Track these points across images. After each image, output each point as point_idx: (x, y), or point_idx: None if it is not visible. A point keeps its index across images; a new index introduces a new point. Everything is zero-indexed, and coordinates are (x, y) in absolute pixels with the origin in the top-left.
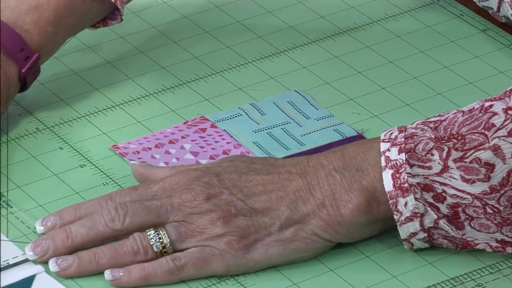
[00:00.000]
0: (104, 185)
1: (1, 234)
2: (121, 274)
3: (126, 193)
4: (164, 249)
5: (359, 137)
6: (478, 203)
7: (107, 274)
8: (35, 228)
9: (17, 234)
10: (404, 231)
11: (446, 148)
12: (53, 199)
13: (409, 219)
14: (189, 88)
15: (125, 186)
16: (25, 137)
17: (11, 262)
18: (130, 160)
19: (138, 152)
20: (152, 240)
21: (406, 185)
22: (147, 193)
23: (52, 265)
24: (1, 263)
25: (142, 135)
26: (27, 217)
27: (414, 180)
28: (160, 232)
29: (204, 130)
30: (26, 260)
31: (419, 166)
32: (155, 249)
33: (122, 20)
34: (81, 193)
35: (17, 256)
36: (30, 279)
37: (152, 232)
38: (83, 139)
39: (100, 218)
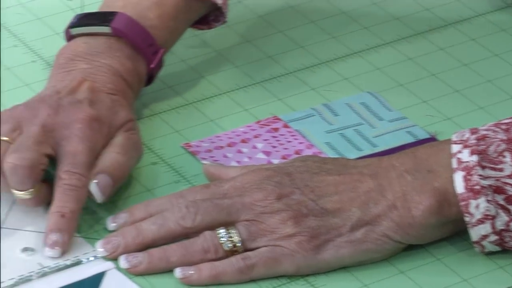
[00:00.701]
0: (176, 183)
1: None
2: (191, 272)
3: (198, 191)
4: (235, 248)
5: (432, 139)
6: None
7: (177, 272)
8: (106, 224)
9: (88, 231)
10: (475, 233)
11: None
12: (125, 196)
13: (480, 221)
14: (263, 88)
15: (196, 184)
16: None
17: (82, 258)
18: (202, 158)
19: (210, 151)
20: (222, 239)
21: (477, 187)
22: (219, 191)
23: (123, 261)
24: (72, 259)
25: (215, 134)
26: (99, 214)
27: (485, 182)
28: (231, 231)
29: (276, 129)
30: (96, 257)
31: (491, 168)
32: (226, 248)
33: (225, 22)
34: (153, 191)
35: (87, 253)
36: (100, 276)
37: (223, 231)
38: (156, 137)
39: (171, 216)
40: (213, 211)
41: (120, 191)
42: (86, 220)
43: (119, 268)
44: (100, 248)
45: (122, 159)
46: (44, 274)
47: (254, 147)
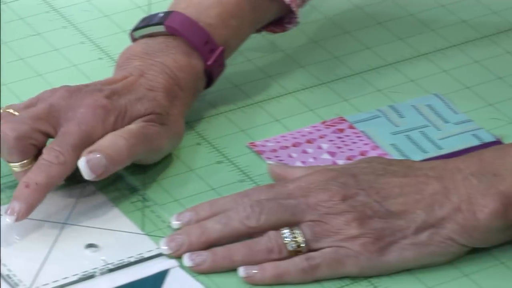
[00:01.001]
0: (240, 182)
1: (136, 227)
2: (254, 271)
3: (262, 191)
4: (298, 249)
5: (497, 142)
6: None
7: (241, 271)
8: (170, 222)
9: (152, 228)
10: None
11: None
12: (189, 194)
13: None
14: (329, 88)
15: (261, 183)
16: None
17: (146, 255)
18: (267, 158)
19: (276, 151)
20: (286, 239)
21: None
22: (283, 191)
23: (186, 260)
24: (135, 256)
25: (280, 134)
26: (163, 212)
27: None
28: (295, 231)
29: (342, 130)
30: (160, 254)
31: None
32: (290, 248)
33: (298, 23)
34: (217, 189)
35: (151, 250)
36: (163, 273)
37: (287, 231)
38: (221, 136)
39: (235, 215)
40: (277, 211)
41: (186, 189)
42: (151, 218)
43: (182, 266)
44: (164, 246)
45: (123, 143)
46: (107, 271)
47: (319, 148)
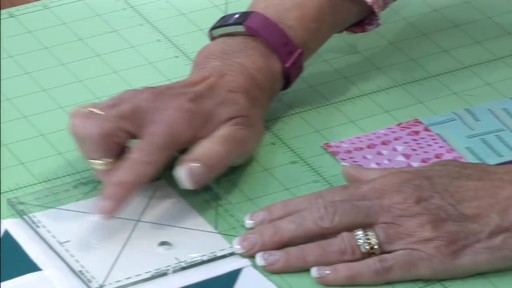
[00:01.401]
0: (315, 182)
1: (209, 226)
2: (327, 272)
3: (336, 192)
4: (372, 250)
5: None
6: None
7: (314, 271)
8: (243, 221)
9: (226, 227)
10: None
11: None
12: (263, 193)
13: None
14: (404, 90)
15: (335, 184)
16: None
17: (218, 254)
18: (342, 159)
19: (350, 152)
20: (360, 240)
21: None
22: (357, 192)
23: (259, 259)
24: (208, 255)
25: (355, 135)
26: (237, 211)
27: None
28: (369, 233)
29: (417, 133)
30: (233, 253)
31: None
32: (363, 250)
33: (379, 25)
34: (291, 189)
35: (224, 249)
36: (236, 272)
37: (361, 232)
38: (296, 136)
39: (309, 215)
40: (351, 212)
41: (260, 188)
42: (224, 217)
43: (255, 266)
44: (237, 245)
45: (218, 149)
46: (180, 269)
47: (394, 150)
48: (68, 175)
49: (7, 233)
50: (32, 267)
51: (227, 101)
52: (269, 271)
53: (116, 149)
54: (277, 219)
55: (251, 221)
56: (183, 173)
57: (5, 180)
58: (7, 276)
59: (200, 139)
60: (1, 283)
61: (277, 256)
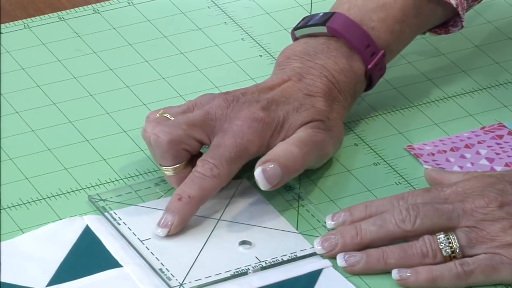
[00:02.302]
0: (397, 184)
1: (290, 226)
2: (408, 274)
3: (419, 194)
4: (453, 254)
5: None
6: None
7: (394, 273)
8: (325, 222)
9: (307, 227)
10: None
11: None
12: (345, 194)
13: None
14: (489, 94)
15: (417, 187)
16: None
17: (299, 254)
18: (425, 162)
19: (433, 154)
20: (441, 244)
21: None
22: (440, 196)
23: (340, 260)
24: (289, 255)
25: (438, 138)
26: (318, 211)
27: None
28: (450, 236)
29: (501, 137)
30: (313, 254)
31: None
32: (444, 253)
33: (462, 27)
34: (373, 191)
35: (305, 249)
36: (317, 273)
37: (442, 236)
38: (379, 137)
39: (391, 217)
40: (433, 215)
41: (341, 189)
42: (305, 217)
43: (336, 266)
44: (318, 246)
45: (296, 151)
46: (260, 268)
47: (477, 153)
48: (150, 172)
49: (88, 229)
50: (112, 263)
51: (303, 106)
52: (349, 272)
53: (186, 156)
54: (358, 220)
55: (332, 222)
56: (259, 174)
57: (87, 176)
58: (88, 271)
59: (274, 146)
60: (82, 279)
61: (358, 258)
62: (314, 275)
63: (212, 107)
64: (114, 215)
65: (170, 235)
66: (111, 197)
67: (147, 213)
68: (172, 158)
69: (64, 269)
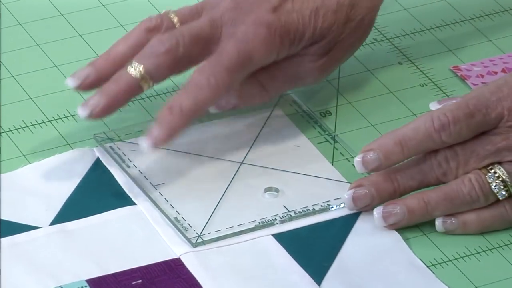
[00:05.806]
0: None
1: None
2: (454, 223)
3: (462, 121)
4: (508, 192)
5: None
6: None
7: (439, 225)
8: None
9: (341, 173)
10: None
11: None
12: (387, 119)
13: None
14: None
15: None
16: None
17: (332, 204)
18: (473, 84)
19: (482, 76)
20: (492, 184)
21: None
22: (486, 120)
23: (378, 218)
24: (321, 204)
25: (488, 57)
26: (352, 151)
27: None
28: (497, 170)
29: None
30: None
31: None
32: (500, 197)
33: None
34: (418, 115)
35: (339, 198)
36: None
37: (490, 174)
38: (425, 55)
39: (430, 170)
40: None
41: (381, 113)
42: (340, 162)
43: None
44: (349, 202)
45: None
46: (288, 219)
47: None
48: None
49: (98, 162)
50: (125, 200)
51: (320, 9)
52: (390, 229)
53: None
54: (394, 163)
55: (362, 167)
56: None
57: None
58: (97, 209)
59: (281, 59)
60: (90, 217)
61: (399, 216)
62: (350, 219)
63: (218, 12)
64: (123, 156)
65: (155, 148)
66: (119, 136)
67: (160, 155)
68: (168, 70)
69: (70, 206)
